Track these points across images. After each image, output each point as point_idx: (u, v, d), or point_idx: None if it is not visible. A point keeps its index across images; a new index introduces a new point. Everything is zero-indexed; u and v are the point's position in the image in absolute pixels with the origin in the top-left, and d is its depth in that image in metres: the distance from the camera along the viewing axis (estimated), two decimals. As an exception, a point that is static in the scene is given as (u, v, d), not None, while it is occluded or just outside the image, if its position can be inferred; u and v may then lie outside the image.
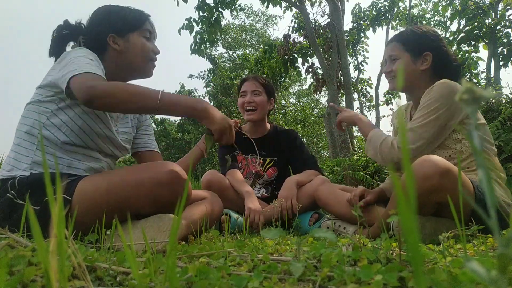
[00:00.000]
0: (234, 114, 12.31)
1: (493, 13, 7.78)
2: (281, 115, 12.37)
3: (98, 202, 1.00)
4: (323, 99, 17.57)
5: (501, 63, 7.85)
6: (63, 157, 1.12)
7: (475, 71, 8.22)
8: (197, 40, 6.41)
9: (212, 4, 6.08)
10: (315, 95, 15.50)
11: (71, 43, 1.26)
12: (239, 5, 6.64)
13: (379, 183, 3.29)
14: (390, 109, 13.07)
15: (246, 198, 1.70)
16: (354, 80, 11.07)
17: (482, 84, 7.42)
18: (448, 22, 12.77)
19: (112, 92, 0.97)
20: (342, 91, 6.94)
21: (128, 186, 1.01)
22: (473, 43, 7.89)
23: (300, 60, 7.74)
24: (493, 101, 3.16)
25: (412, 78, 1.46)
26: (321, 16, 9.47)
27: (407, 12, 10.16)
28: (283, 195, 1.73)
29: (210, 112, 1.09)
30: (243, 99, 2.02)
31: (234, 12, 6.55)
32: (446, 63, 1.46)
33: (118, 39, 1.23)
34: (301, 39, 7.74)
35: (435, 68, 1.45)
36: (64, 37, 1.23)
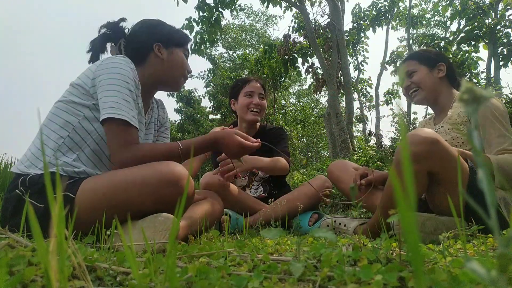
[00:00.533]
0: (234, 114, 12.31)
1: (493, 13, 7.79)
2: (281, 115, 12.38)
3: (102, 201, 1.00)
4: (323, 99, 17.58)
5: (501, 63, 7.86)
6: (82, 166, 1.12)
7: (475, 71, 8.23)
8: (197, 40, 6.41)
9: (212, 4, 6.08)
10: (315, 95, 15.51)
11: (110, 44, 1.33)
12: (239, 5, 6.64)
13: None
14: (390, 109, 13.09)
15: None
16: (354, 80, 11.09)
17: (482, 84, 7.43)
18: (448, 22, 12.79)
19: (131, 163, 1.07)
20: (342, 91, 6.95)
21: (132, 185, 1.02)
22: (473, 43, 7.90)
23: (300, 60, 7.75)
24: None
25: (434, 87, 1.58)
26: (321, 16, 9.48)
27: (407, 12, 10.16)
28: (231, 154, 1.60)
29: (220, 144, 1.23)
30: (250, 99, 2.00)
31: (234, 12, 6.55)
32: (455, 73, 1.62)
33: (163, 49, 1.32)
34: (301, 39, 7.75)
35: (450, 77, 1.59)
36: (107, 37, 1.30)
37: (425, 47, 1.99)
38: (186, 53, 1.40)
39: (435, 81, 1.58)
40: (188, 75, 1.42)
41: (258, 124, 2.11)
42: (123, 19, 1.33)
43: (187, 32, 1.39)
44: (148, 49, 1.31)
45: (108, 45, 1.33)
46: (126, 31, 1.34)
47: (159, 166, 1.05)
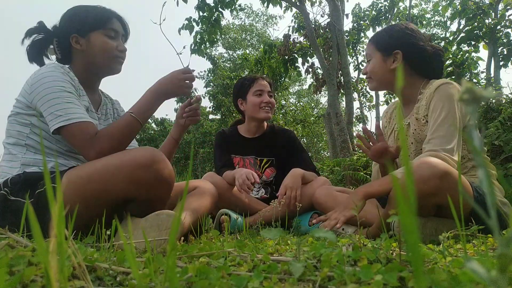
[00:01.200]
0: (234, 114, 12.31)
1: (493, 13, 7.79)
2: (281, 115, 12.37)
3: (82, 189, 1.03)
4: (323, 99, 17.58)
5: (501, 63, 7.86)
6: (51, 159, 1.18)
7: (475, 71, 8.22)
8: (197, 40, 6.40)
9: (212, 4, 6.07)
10: (315, 95, 15.49)
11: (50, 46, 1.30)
12: (239, 5, 6.64)
13: (379, 183, 3.28)
14: (390, 109, 13.05)
15: (236, 173, 1.68)
16: (354, 80, 11.06)
17: (482, 84, 7.42)
18: (448, 22, 12.78)
19: (113, 147, 1.11)
20: (342, 91, 6.94)
21: (109, 170, 1.04)
22: (473, 43, 7.89)
23: (300, 60, 7.74)
24: (493, 101, 3.16)
25: (385, 79, 1.47)
26: (321, 16, 9.48)
27: (407, 12, 10.16)
28: (288, 184, 1.67)
29: (163, 85, 1.23)
30: (261, 98, 1.96)
31: (234, 12, 6.55)
32: (424, 59, 1.43)
33: (81, 39, 1.26)
34: (301, 39, 7.74)
35: (412, 65, 1.43)
36: (40, 42, 1.27)
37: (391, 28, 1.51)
38: (110, 32, 1.28)
39: (387, 72, 1.45)
40: (122, 53, 1.32)
41: (266, 123, 2.10)
42: (42, 22, 1.28)
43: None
44: (68, 44, 1.26)
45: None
46: (56, 28, 1.29)
47: (135, 151, 1.08)
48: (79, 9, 1.29)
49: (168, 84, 1.24)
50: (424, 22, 11.76)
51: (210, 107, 13.57)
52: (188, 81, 1.27)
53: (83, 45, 1.26)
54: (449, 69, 7.13)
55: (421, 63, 1.43)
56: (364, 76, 1.57)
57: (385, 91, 1.69)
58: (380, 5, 10.14)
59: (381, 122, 1.70)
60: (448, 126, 1.26)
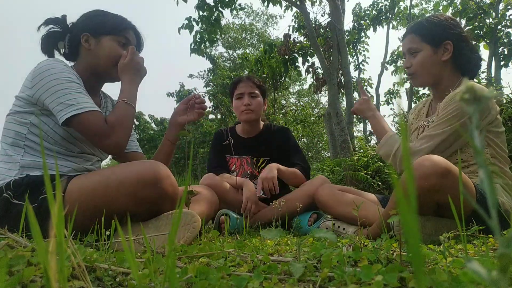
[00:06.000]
0: (234, 114, 12.30)
1: (493, 13, 7.78)
2: (281, 115, 12.37)
3: (85, 201, 1.02)
4: (324, 99, 17.57)
5: (502, 63, 7.85)
6: (52, 163, 1.16)
7: (476, 71, 8.20)
8: (197, 39, 6.40)
9: (212, 4, 6.06)
10: (316, 95, 15.50)
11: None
12: (239, 5, 6.63)
13: (379, 183, 3.29)
14: (391, 109, 13.08)
15: (244, 188, 1.74)
16: (354, 80, 11.05)
17: (483, 84, 7.40)
18: (449, 22, 12.74)
19: (127, 135, 1.17)
20: (342, 90, 6.94)
21: (112, 186, 1.03)
22: (474, 42, 7.88)
23: (300, 59, 7.73)
24: (494, 101, 3.16)
25: (435, 71, 1.40)
26: (322, 15, 9.49)
27: (408, 11, 10.15)
28: (262, 176, 1.72)
29: (130, 70, 1.27)
30: (241, 101, 1.97)
31: (234, 12, 6.53)
32: (468, 52, 1.38)
33: (91, 39, 1.27)
34: (302, 38, 7.74)
35: (456, 58, 1.38)
36: (55, 34, 1.28)
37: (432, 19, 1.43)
38: (122, 40, 1.31)
39: (438, 65, 1.39)
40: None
41: (262, 123, 2.10)
42: (65, 16, 1.31)
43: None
44: (78, 42, 1.27)
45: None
46: (70, 26, 1.31)
47: (140, 166, 1.06)
48: (100, 12, 1.32)
49: (130, 67, 1.27)
50: (424, 22, 11.73)
51: (210, 107, 13.58)
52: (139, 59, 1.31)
53: (91, 45, 1.27)
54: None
55: (466, 57, 1.38)
56: (405, 71, 1.48)
57: (417, 87, 1.66)
58: (380, 4, 10.13)
59: (409, 117, 1.69)
60: (442, 128, 1.28)
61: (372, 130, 1.61)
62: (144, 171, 1.04)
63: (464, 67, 1.40)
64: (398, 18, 10.60)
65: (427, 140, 1.30)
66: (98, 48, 1.27)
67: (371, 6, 10.24)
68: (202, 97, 1.47)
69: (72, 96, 1.09)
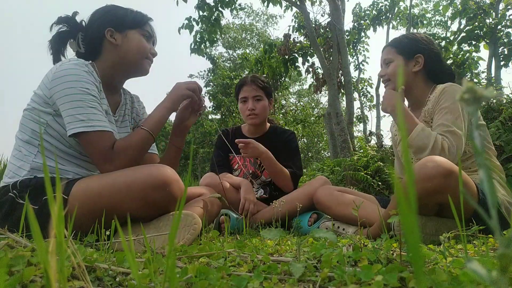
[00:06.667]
0: (234, 114, 12.31)
1: (493, 13, 7.78)
2: (281, 115, 12.36)
3: (91, 203, 1.01)
4: (324, 99, 17.58)
5: (501, 63, 7.85)
6: (65, 166, 1.14)
7: (476, 71, 8.21)
8: (197, 39, 6.40)
9: (212, 4, 6.06)
10: (316, 95, 15.51)
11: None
12: (239, 5, 6.63)
13: (379, 183, 3.28)
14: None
15: (242, 187, 1.74)
16: (354, 80, 11.05)
17: (482, 84, 7.41)
18: (449, 22, 12.77)
19: (129, 163, 1.11)
20: (342, 90, 6.94)
21: (119, 189, 1.02)
22: (473, 42, 7.89)
23: (300, 59, 7.73)
24: (494, 101, 3.16)
25: (406, 80, 1.53)
26: (322, 15, 9.49)
27: (408, 11, 10.15)
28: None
29: (173, 95, 1.28)
30: (245, 105, 1.97)
31: (234, 12, 6.52)
32: (439, 66, 1.53)
33: (116, 34, 1.24)
34: (302, 38, 7.73)
35: (428, 70, 1.52)
36: (64, 34, 1.24)
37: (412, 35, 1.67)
38: (146, 33, 1.30)
39: (409, 75, 1.52)
40: (153, 57, 1.34)
41: (268, 124, 2.10)
42: (76, 13, 1.27)
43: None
44: (101, 38, 1.23)
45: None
46: (82, 23, 1.27)
47: (148, 170, 1.05)
48: (117, 7, 1.29)
49: (171, 92, 1.28)
50: (424, 22, 11.74)
51: (210, 107, 13.58)
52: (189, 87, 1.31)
53: (118, 40, 1.24)
54: (449, 69, 7.11)
55: (436, 70, 1.52)
56: (381, 79, 1.62)
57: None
58: (380, 4, 10.13)
59: (391, 130, 1.75)
60: (454, 117, 1.33)
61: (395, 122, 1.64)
62: (152, 175, 1.03)
63: (437, 77, 1.53)
64: (398, 18, 10.60)
65: (450, 134, 1.30)
66: (126, 42, 1.24)
67: (371, 6, 10.24)
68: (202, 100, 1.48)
69: (84, 110, 1.06)
